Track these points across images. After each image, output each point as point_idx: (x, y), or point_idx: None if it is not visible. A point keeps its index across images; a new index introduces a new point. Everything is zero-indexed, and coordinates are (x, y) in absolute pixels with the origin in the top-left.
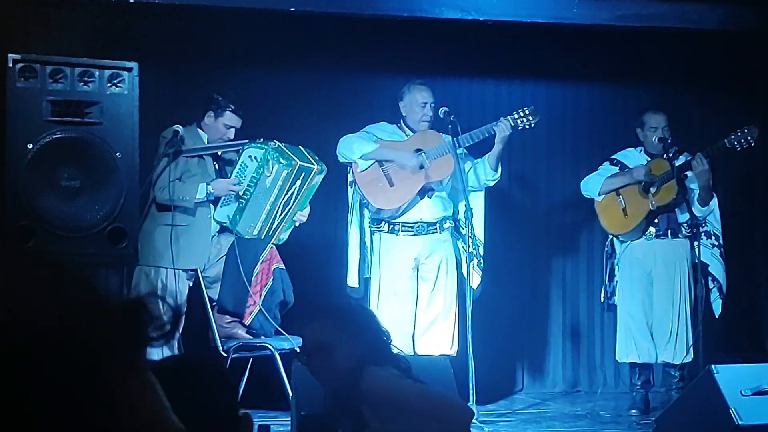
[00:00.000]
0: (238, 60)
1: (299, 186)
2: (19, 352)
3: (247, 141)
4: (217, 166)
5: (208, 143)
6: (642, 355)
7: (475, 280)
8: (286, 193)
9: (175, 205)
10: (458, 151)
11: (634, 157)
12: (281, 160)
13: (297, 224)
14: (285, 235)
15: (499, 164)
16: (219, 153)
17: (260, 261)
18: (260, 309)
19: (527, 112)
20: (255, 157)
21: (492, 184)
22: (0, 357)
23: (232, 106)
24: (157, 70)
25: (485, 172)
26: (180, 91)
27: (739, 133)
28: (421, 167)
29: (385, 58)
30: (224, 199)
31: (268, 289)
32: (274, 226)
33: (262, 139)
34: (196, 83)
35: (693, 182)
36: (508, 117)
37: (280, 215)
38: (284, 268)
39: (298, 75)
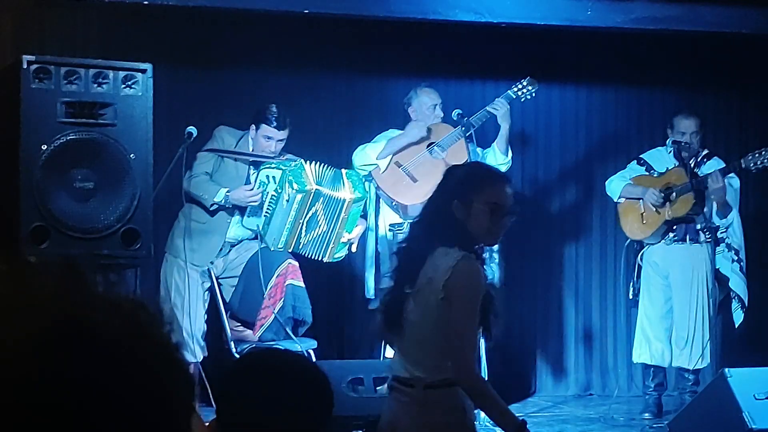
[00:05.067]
0: (252, 62)
1: (327, 212)
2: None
3: (273, 157)
4: (254, 174)
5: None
6: (655, 357)
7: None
8: (306, 215)
9: (192, 197)
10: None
11: (662, 158)
12: (294, 185)
13: (352, 246)
14: (341, 254)
15: (509, 148)
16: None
17: (275, 275)
18: (271, 323)
19: (525, 83)
20: (273, 178)
21: (504, 168)
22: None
23: (271, 119)
24: (170, 72)
25: (496, 156)
26: (194, 93)
27: (757, 155)
28: (436, 158)
29: (398, 61)
30: (250, 209)
31: (281, 304)
32: (303, 242)
33: (285, 157)
34: (210, 85)
35: (712, 194)
36: (504, 94)
37: (306, 233)
38: (301, 285)
39: (312, 78)
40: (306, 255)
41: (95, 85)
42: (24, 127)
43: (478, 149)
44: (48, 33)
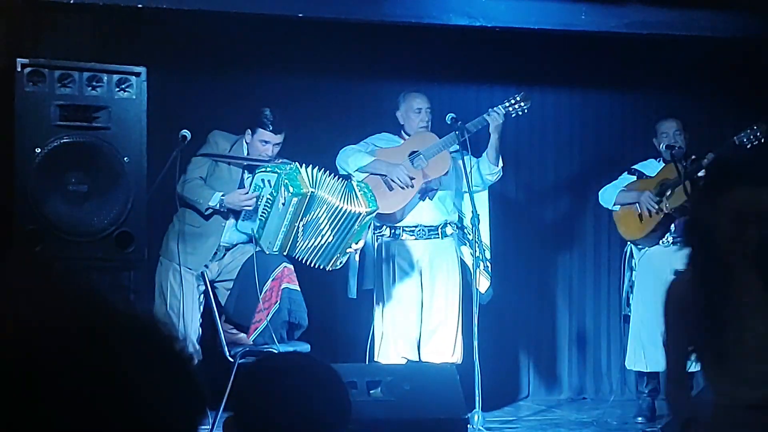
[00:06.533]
0: (246, 66)
1: (337, 224)
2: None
3: (268, 160)
4: (248, 178)
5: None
6: (650, 365)
7: (483, 284)
8: (302, 219)
9: (188, 203)
10: (454, 149)
11: (654, 168)
12: (290, 188)
13: (355, 255)
14: (343, 259)
15: (500, 157)
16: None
17: (271, 278)
18: (266, 327)
19: (518, 98)
20: (268, 181)
21: (494, 178)
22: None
23: (267, 123)
24: (165, 75)
25: (485, 166)
26: (188, 96)
27: (749, 131)
28: (412, 186)
29: (392, 65)
30: (245, 213)
31: (276, 308)
32: (301, 247)
33: (280, 160)
34: (204, 88)
35: None
36: (500, 105)
37: (305, 238)
38: (297, 288)
39: (306, 81)
40: (307, 262)
41: (89, 88)
42: (18, 131)
43: (467, 158)
44: (42, 36)
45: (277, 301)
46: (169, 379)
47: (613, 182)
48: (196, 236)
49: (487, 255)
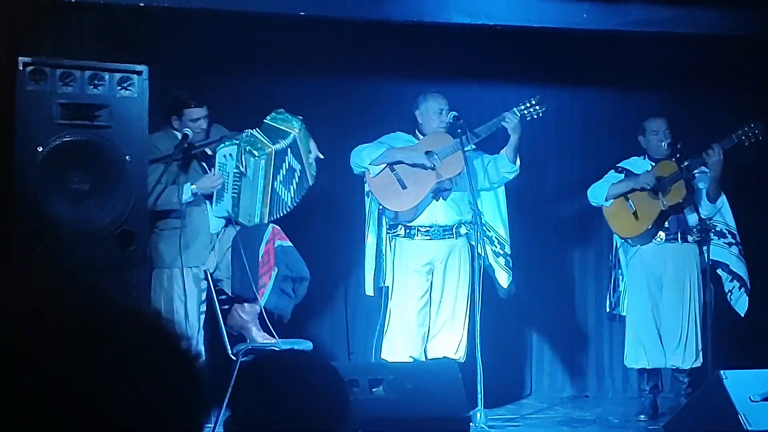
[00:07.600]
0: (248, 64)
1: (296, 157)
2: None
3: (220, 138)
4: (202, 164)
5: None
6: (651, 361)
7: (504, 279)
8: (277, 176)
9: (161, 209)
10: (468, 148)
11: (640, 165)
12: (254, 153)
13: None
14: (314, 172)
15: (517, 156)
16: (200, 152)
17: (264, 243)
18: (272, 287)
19: (534, 102)
20: (230, 155)
21: (511, 176)
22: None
23: (188, 102)
24: (166, 74)
25: (503, 164)
26: (190, 95)
27: (746, 128)
28: (432, 167)
29: (394, 63)
30: (217, 196)
31: (276, 267)
32: (285, 202)
33: (232, 134)
34: (206, 87)
35: (701, 181)
36: (514, 109)
37: (287, 191)
38: (290, 244)
39: (306, 80)
40: (296, 203)
41: (91, 86)
42: (19, 129)
43: (481, 159)
44: (44, 35)
45: (275, 261)
46: (173, 378)
47: (601, 180)
48: (186, 234)
49: (507, 250)
